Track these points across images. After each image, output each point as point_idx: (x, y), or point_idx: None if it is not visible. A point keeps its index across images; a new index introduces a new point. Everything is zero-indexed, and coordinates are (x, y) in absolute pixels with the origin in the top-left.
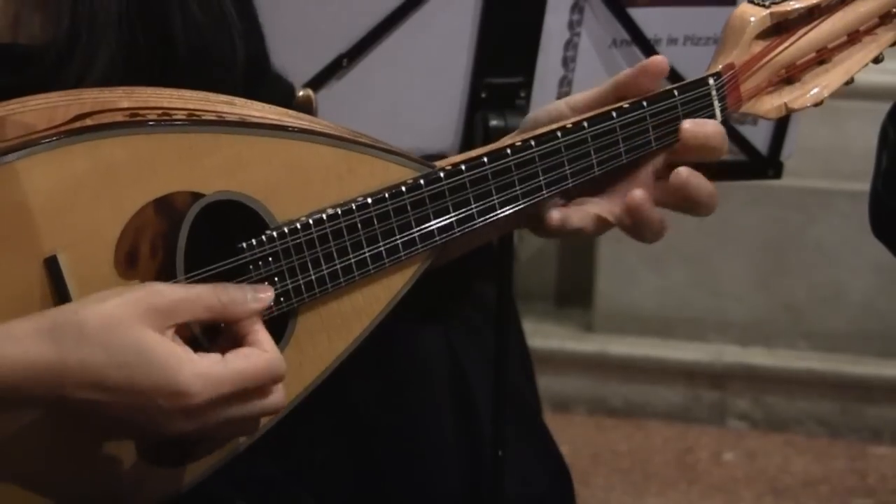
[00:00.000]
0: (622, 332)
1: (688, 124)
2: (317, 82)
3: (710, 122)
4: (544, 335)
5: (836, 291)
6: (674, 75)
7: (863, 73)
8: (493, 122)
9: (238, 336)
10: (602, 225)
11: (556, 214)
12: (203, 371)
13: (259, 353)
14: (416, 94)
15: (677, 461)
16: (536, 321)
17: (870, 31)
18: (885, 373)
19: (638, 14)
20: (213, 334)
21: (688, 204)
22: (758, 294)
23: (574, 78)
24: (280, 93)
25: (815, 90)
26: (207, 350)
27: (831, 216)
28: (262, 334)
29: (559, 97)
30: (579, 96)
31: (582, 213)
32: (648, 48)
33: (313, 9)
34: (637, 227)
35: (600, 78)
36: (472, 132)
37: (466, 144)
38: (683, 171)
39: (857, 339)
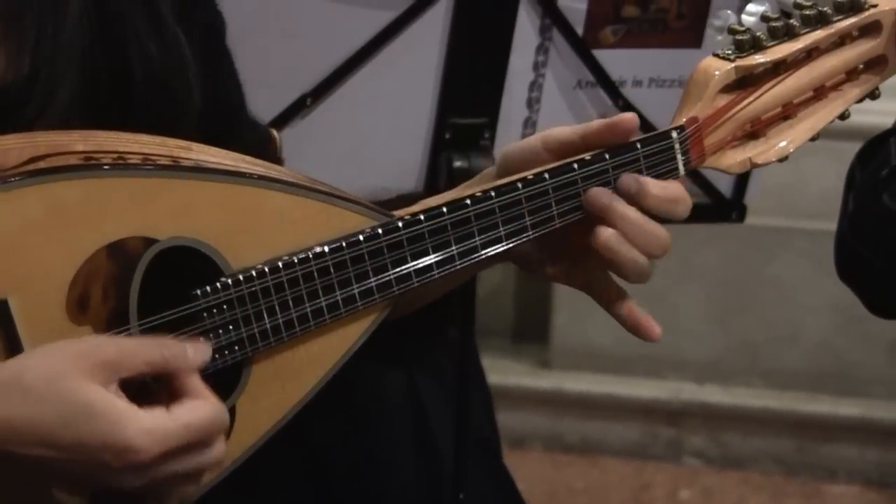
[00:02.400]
0: (579, 368)
1: (654, 188)
2: (280, 121)
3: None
4: (501, 371)
5: (793, 329)
6: (639, 118)
7: None
8: (457, 163)
9: (178, 388)
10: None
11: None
12: (149, 426)
13: (203, 405)
14: (380, 133)
15: (634, 498)
16: (493, 357)
17: (836, 86)
18: (840, 411)
19: (603, 55)
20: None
21: (611, 267)
22: (715, 332)
23: (538, 119)
24: (255, 140)
25: (780, 145)
26: (156, 395)
27: (789, 254)
28: (200, 387)
29: (523, 138)
30: (555, 133)
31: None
32: (613, 90)
33: (276, 48)
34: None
35: (565, 119)
36: (436, 173)
37: (430, 185)
38: (603, 233)
39: (814, 378)
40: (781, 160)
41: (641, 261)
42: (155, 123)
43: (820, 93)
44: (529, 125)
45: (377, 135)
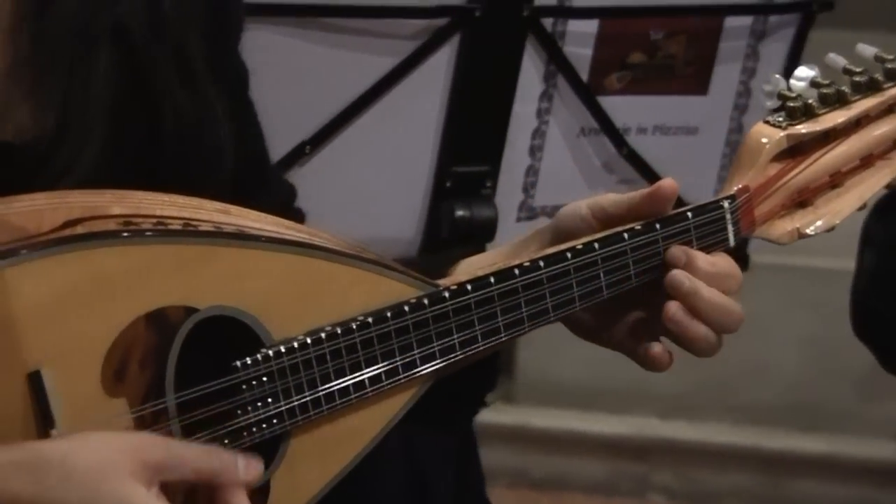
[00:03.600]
0: (544, 403)
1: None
2: (278, 169)
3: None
4: None
5: (762, 365)
6: (642, 165)
7: None
8: (459, 213)
9: (218, 501)
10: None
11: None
12: None
13: None
14: (380, 181)
15: None
16: None
17: (883, 154)
18: (809, 447)
19: (607, 102)
20: (191, 492)
21: (678, 341)
22: (682, 366)
23: (541, 167)
24: (283, 195)
25: (828, 215)
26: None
27: (758, 288)
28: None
29: (525, 187)
30: (603, 203)
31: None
32: (617, 137)
33: (275, 94)
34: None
35: (567, 168)
36: (437, 222)
37: (430, 234)
38: (672, 307)
39: (782, 413)
40: (829, 231)
41: (711, 337)
42: (187, 181)
43: (867, 161)
44: (532, 173)
45: (377, 183)
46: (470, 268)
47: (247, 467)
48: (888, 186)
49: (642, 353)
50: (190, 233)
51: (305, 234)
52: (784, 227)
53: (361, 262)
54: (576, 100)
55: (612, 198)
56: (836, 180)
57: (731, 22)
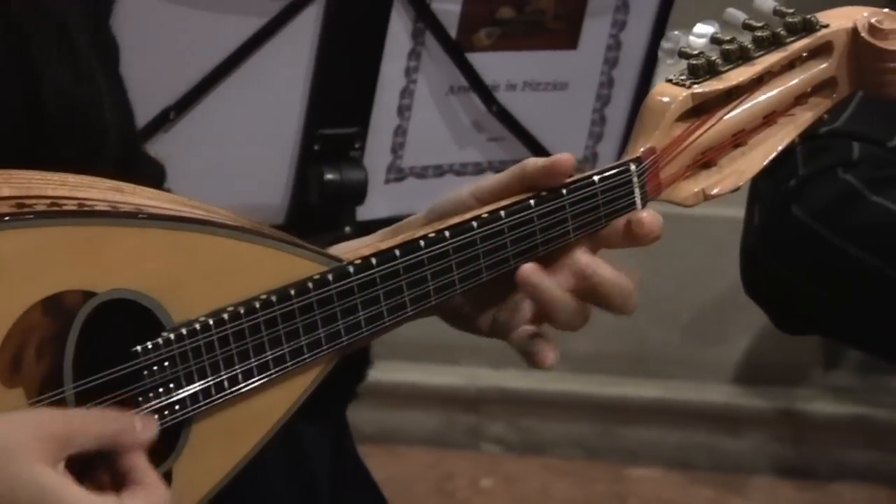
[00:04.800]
0: (373, 357)
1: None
2: (142, 137)
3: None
4: None
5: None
6: (512, 123)
7: None
8: (329, 176)
9: (125, 470)
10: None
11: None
12: None
13: (154, 493)
14: (246, 147)
15: (437, 489)
16: None
17: (785, 111)
18: (641, 393)
19: (476, 59)
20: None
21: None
22: None
23: (409, 127)
24: (153, 176)
25: (734, 175)
26: (98, 472)
27: None
28: (149, 470)
29: (393, 148)
30: (485, 185)
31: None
32: (487, 95)
33: (136, 60)
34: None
35: (436, 127)
36: (306, 186)
37: (298, 199)
38: (583, 258)
39: (614, 360)
40: (734, 190)
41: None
42: (70, 159)
43: (770, 119)
44: (400, 133)
45: (243, 148)
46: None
47: (143, 426)
48: (791, 144)
49: (521, 340)
50: (85, 213)
51: (202, 210)
52: (690, 188)
53: (263, 237)
54: (444, 57)
55: (493, 177)
56: (739, 139)
57: None
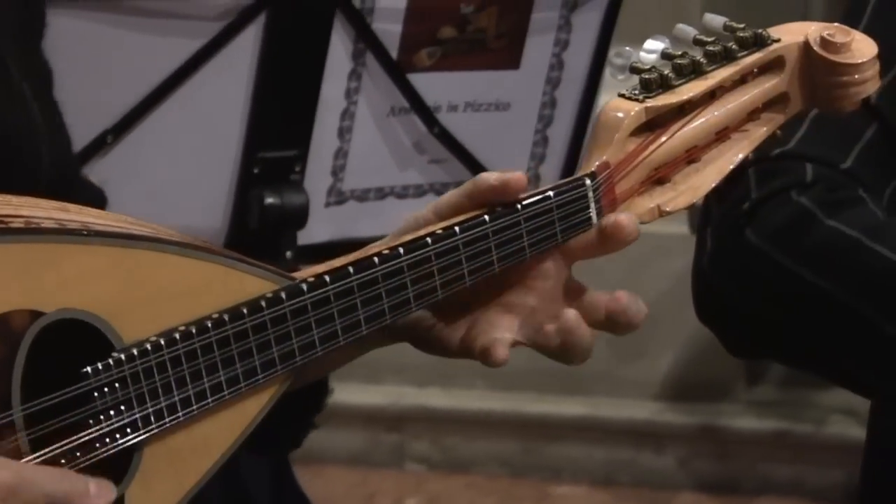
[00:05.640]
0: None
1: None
2: (80, 161)
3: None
4: None
5: None
6: (454, 144)
7: None
8: (269, 200)
9: None
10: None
11: (502, 352)
12: None
13: None
14: (185, 170)
15: None
16: None
17: (738, 127)
18: (564, 411)
19: (418, 80)
20: None
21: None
22: None
23: (350, 149)
24: (93, 201)
25: (689, 191)
26: None
27: None
28: None
29: (334, 170)
30: (443, 199)
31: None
32: (428, 116)
33: (74, 81)
34: (566, 350)
35: (377, 149)
36: (245, 210)
37: (238, 223)
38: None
39: (537, 377)
40: (688, 207)
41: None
42: (6, 188)
43: (723, 135)
44: (341, 156)
45: (181, 172)
46: None
47: (98, 492)
48: (745, 160)
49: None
50: (32, 230)
51: (151, 229)
52: (645, 204)
53: (212, 255)
54: (385, 78)
55: (452, 193)
56: (693, 155)
57: None
